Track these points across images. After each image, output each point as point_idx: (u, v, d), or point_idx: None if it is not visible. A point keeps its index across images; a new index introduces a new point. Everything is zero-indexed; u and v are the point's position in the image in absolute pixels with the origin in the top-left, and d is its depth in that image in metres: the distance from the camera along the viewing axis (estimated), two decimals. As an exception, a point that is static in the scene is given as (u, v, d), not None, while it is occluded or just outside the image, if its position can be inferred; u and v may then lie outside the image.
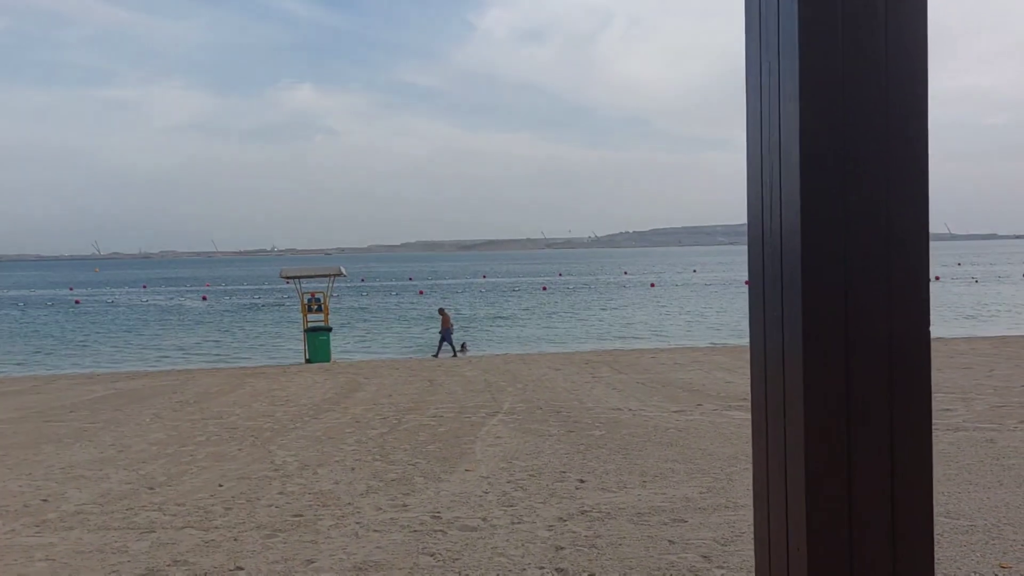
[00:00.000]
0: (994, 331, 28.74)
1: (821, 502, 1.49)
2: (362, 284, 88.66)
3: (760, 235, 1.64)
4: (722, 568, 5.84)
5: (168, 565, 6.22)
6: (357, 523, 7.15)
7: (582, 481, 8.36)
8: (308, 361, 22.95)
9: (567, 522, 7.01)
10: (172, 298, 73.51)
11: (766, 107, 1.59)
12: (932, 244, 1.61)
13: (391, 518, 7.27)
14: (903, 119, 1.45)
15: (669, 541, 6.46)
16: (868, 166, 1.45)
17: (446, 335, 26.78)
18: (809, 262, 1.46)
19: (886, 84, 1.44)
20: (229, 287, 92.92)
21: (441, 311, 28.07)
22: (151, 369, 24.97)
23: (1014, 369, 15.97)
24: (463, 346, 29.34)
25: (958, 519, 6.79)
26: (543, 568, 5.96)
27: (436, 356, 25.55)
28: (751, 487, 1.66)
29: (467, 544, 6.52)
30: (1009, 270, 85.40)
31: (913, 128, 1.46)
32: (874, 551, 1.50)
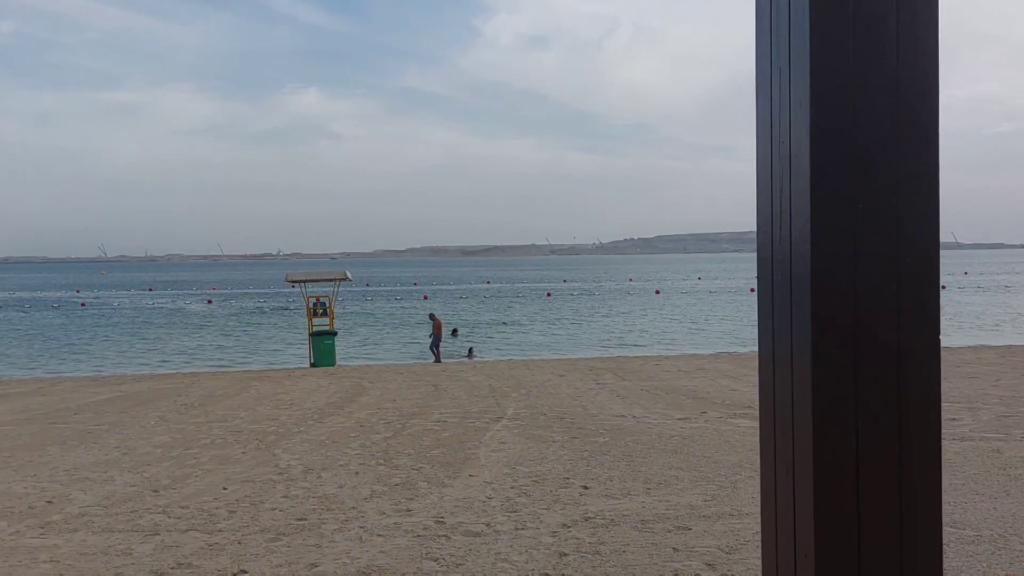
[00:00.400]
0: (1000, 341, 28.65)
1: (829, 509, 1.48)
2: (367, 289, 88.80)
3: (769, 241, 1.64)
4: (726, 576, 5.81)
5: (172, 568, 6.22)
6: (361, 527, 7.14)
7: (586, 488, 8.33)
8: (313, 365, 22.96)
9: (571, 528, 6.99)
10: (177, 301, 73.66)
11: (776, 113, 1.59)
12: (941, 252, 1.60)
13: (395, 523, 7.26)
14: (914, 127, 1.44)
15: (673, 549, 6.43)
16: (879, 174, 1.44)
17: (436, 341, 26.96)
18: (819, 269, 1.46)
19: (897, 91, 1.44)
20: (235, 291, 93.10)
21: (432, 316, 28.07)
22: (156, 372, 25.02)
23: (1021, 379, 15.90)
24: (470, 351, 29.37)
25: (964, 529, 6.76)
26: (547, 574, 5.94)
27: (439, 361, 25.69)
28: (756, 495, 1.65)
29: (471, 550, 6.51)
30: (1015, 280, 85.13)
31: (924, 136, 1.45)
32: (882, 559, 1.49)
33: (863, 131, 1.45)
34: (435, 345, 27.07)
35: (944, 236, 1.63)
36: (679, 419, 12.22)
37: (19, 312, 60.77)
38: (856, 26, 1.43)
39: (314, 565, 6.22)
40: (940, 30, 1.45)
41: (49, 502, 8.21)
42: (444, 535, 6.88)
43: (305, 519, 7.42)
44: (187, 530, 7.18)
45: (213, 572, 6.11)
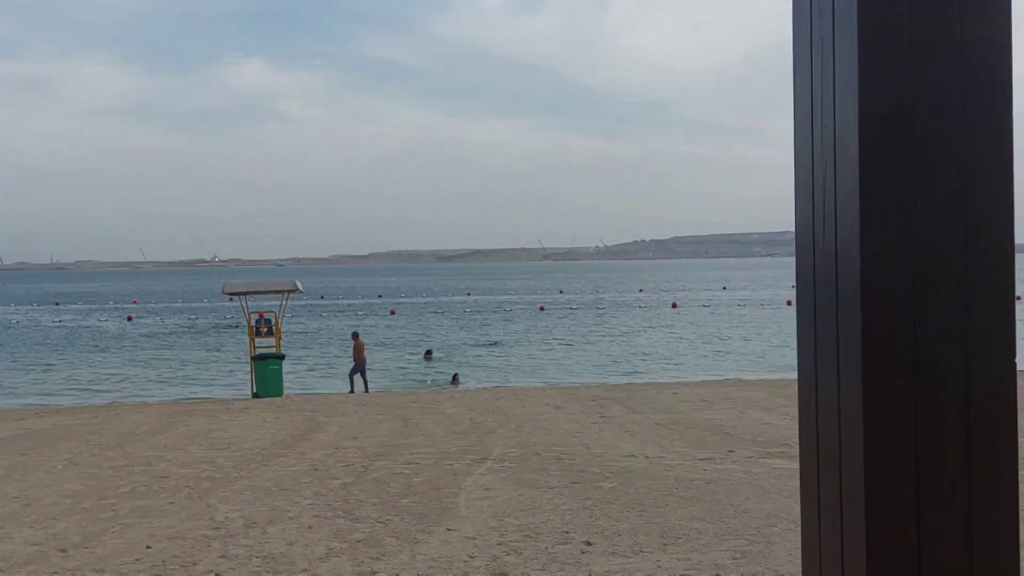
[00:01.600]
0: (1086, 363, 28.87)
1: (885, 570, 1.48)
2: (322, 302, 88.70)
3: (811, 246, 1.64)
4: (759, 650, 5.82)
5: (83, 645, 6.17)
6: (315, 594, 7.11)
7: (589, 543, 8.34)
8: (256, 395, 22.88)
9: (571, 593, 6.99)
10: (90, 318, 73.35)
11: (818, 92, 1.60)
12: (1016, 256, 1.61)
13: (356, 588, 7.23)
14: (984, 107, 1.45)
15: (695, 617, 6.44)
16: (942, 164, 1.45)
17: (359, 367, 26.26)
18: (870, 280, 1.46)
19: (963, 65, 1.45)
20: (160, 304, 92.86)
21: (355, 336, 27.54)
22: (65, 404, 24.87)
23: (1111, 409, 16.02)
24: (454, 377, 29.36)
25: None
26: (542, 650, 5.93)
27: (352, 392, 25.46)
28: (795, 552, 1.65)
29: (449, 620, 6.49)
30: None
31: (996, 117, 1.46)
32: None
33: (922, 114, 1.46)
34: (355, 371, 26.43)
35: (1019, 238, 1.65)
36: (701, 460, 12.25)
37: None
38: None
39: (258, 640, 6.18)
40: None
41: (-68, 565, 8.14)
42: (417, 603, 6.86)
43: (247, 584, 7.39)
44: (102, 598, 7.13)
45: (134, 650, 6.06)
